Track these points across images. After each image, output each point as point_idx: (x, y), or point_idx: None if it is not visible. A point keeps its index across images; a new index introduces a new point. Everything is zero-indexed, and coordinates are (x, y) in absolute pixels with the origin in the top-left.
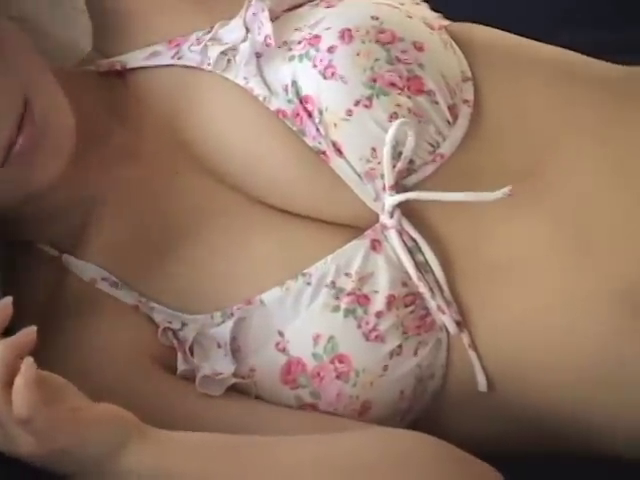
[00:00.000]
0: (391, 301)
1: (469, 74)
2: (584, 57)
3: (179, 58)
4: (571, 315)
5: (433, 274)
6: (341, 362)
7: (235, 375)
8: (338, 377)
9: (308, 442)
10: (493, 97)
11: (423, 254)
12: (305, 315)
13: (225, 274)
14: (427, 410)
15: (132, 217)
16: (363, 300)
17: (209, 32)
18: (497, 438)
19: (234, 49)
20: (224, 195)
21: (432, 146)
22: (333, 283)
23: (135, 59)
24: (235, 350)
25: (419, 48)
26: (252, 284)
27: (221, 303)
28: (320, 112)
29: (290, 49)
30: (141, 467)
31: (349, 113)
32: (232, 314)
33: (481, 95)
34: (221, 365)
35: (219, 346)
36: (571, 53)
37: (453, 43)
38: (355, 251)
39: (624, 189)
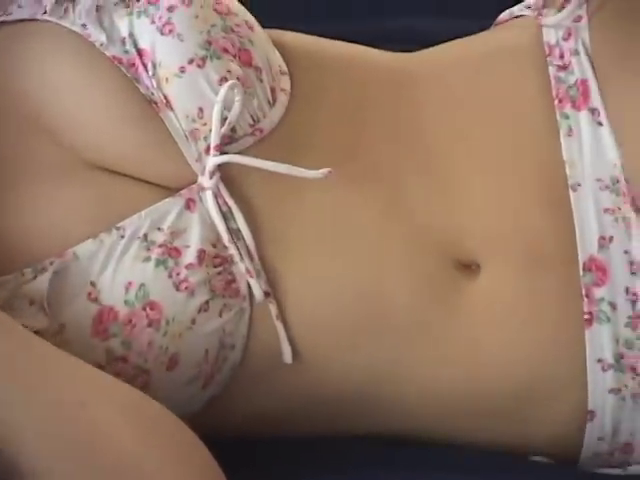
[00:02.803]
0: (202, 256)
1: (285, 69)
2: (370, 49)
3: (8, 15)
4: (377, 279)
5: (244, 241)
6: (152, 309)
7: (46, 332)
8: (149, 324)
9: None
10: (305, 92)
11: (236, 222)
12: (117, 266)
13: (34, 228)
14: (225, 386)
15: None
16: (174, 252)
17: None
18: (288, 417)
19: (72, 0)
20: (40, 144)
21: (253, 120)
22: (145, 236)
23: None
24: (50, 305)
25: (250, 27)
26: (63, 238)
27: (31, 259)
28: (154, 66)
29: (128, 6)
30: None
31: (182, 70)
32: (44, 268)
33: (295, 89)
34: (32, 322)
35: (32, 303)
36: (361, 47)
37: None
38: (169, 208)
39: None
